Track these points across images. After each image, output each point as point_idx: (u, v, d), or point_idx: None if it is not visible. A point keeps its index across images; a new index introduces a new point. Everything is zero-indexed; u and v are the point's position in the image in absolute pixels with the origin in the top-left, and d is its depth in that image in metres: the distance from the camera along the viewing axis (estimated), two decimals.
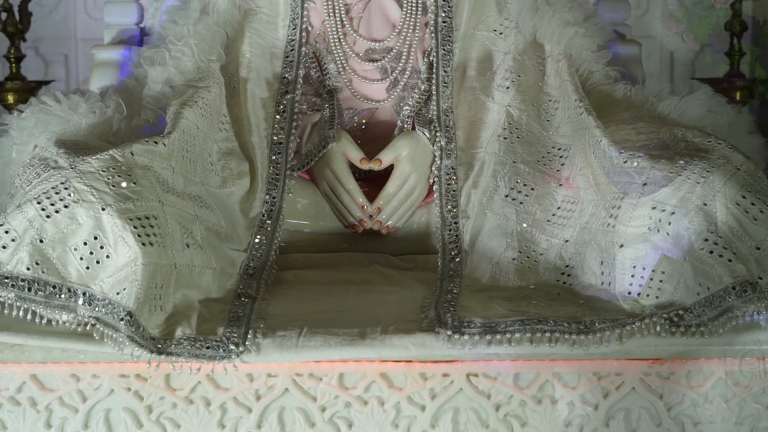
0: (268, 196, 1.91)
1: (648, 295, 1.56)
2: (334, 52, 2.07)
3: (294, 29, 2.07)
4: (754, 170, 1.62)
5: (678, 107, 1.86)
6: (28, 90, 2.75)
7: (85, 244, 1.51)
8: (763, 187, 1.61)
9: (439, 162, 1.95)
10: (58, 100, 1.83)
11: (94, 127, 1.80)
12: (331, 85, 2.06)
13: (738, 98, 2.73)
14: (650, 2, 4.37)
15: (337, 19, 2.07)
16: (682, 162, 1.60)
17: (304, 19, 2.08)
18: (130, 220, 1.53)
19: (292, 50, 2.06)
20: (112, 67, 2.43)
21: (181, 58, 1.95)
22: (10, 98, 2.74)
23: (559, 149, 1.91)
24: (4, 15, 2.71)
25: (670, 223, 1.55)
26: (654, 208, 1.58)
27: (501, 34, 2.07)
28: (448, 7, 2.07)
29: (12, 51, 2.77)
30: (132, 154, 1.63)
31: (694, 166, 1.59)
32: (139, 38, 2.55)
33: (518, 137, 1.95)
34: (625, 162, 1.66)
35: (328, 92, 2.04)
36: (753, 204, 1.55)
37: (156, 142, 1.69)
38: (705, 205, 1.54)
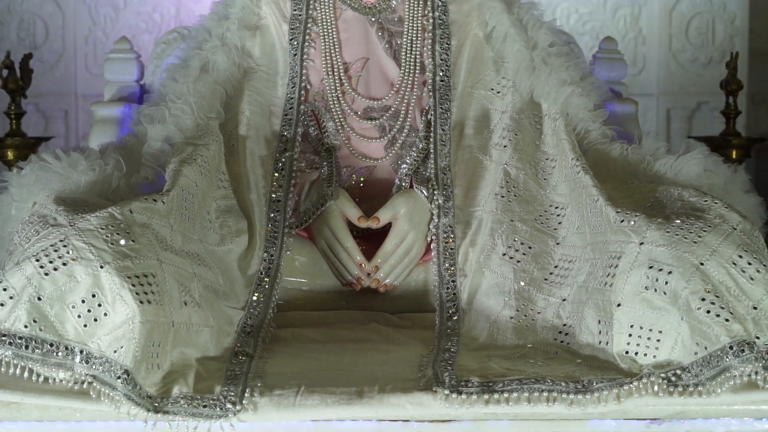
0: (266, 254, 1.91)
1: (645, 355, 1.56)
2: (333, 110, 2.09)
3: (293, 87, 2.10)
4: (750, 229, 1.63)
5: (674, 166, 1.87)
6: (28, 146, 2.77)
7: (83, 301, 1.51)
8: (760, 246, 1.62)
9: (436, 220, 1.96)
10: (58, 158, 1.84)
11: (94, 184, 1.81)
12: (330, 143, 2.07)
13: (734, 156, 2.75)
14: (646, 60, 4.43)
15: (336, 77, 2.10)
16: (678, 221, 1.61)
17: (303, 78, 2.10)
18: (129, 278, 1.53)
19: (291, 108, 2.08)
20: (111, 124, 2.44)
21: (181, 116, 1.97)
22: (10, 154, 2.76)
23: (557, 208, 1.92)
24: (5, 72, 2.73)
25: (667, 283, 1.56)
26: (651, 267, 1.58)
27: (498, 93, 2.10)
28: (446, 66, 2.09)
29: (12, 107, 2.79)
30: (131, 211, 1.64)
31: (691, 226, 1.60)
32: (139, 95, 2.56)
33: (516, 195, 1.96)
34: (622, 221, 1.67)
35: (326, 150, 2.06)
36: (749, 263, 1.56)
37: (155, 200, 1.70)
38: (702, 264, 1.55)
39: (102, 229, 1.58)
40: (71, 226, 1.58)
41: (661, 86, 4.42)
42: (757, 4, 5.31)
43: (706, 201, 1.68)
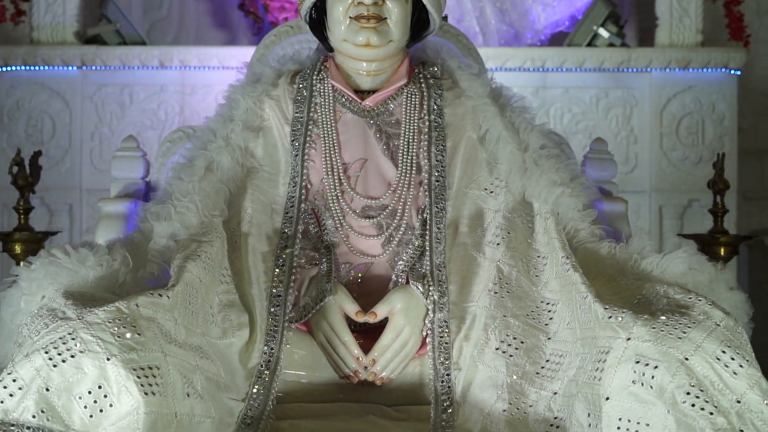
0: (266, 347, 1.97)
1: None
2: (332, 208, 2.16)
3: (294, 186, 2.18)
4: (733, 326, 1.69)
5: (660, 264, 1.94)
6: (35, 240, 2.84)
7: (89, 392, 1.57)
8: (743, 341, 1.68)
9: (432, 315, 2.03)
10: (67, 253, 1.90)
11: (101, 279, 1.87)
12: (329, 241, 2.14)
13: (723, 253, 2.82)
14: (638, 159, 4.54)
15: (336, 177, 2.18)
16: (663, 318, 1.68)
17: (304, 177, 2.18)
18: (134, 370, 1.59)
19: (291, 206, 2.16)
20: (117, 220, 2.50)
21: (186, 214, 2.04)
22: (18, 248, 2.83)
23: (548, 304, 1.99)
24: (15, 168, 2.82)
25: (653, 377, 1.61)
26: (638, 362, 1.64)
27: (491, 193, 2.18)
28: (441, 167, 2.18)
29: (21, 203, 2.87)
30: (137, 306, 1.71)
31: (676, 322, 1.67)
32: (144, 192, 2.63)
33: (508, 292, 2.02)
34: (610, 317, 1.73)
35: (325, 247, 2.13)
36: (732, 359, 1.62)
37: (160, 295, 1.77)
38: (686, 359, 1.61)
39: (109, 322, 1.64)
40: (79, 319, 1.64)
41: (653, 184, 4.51)
42: (746, 104, 5.45)
43: (690, 298, 1.75)
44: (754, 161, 5.33)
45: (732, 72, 4.52)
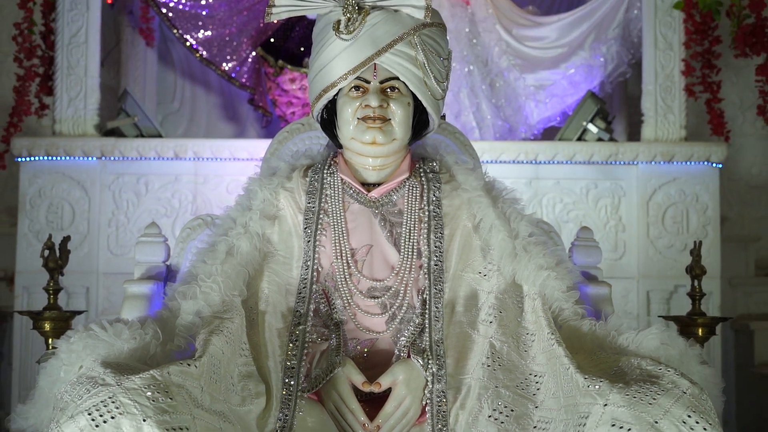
0: (281, 414, 2.18)
1: None
2: (341, 289, 2.38)
3: (306, 270, 2.40)
4: (699, 393, 1.92)
5: (635, 340, 2.16)
6: (64, 319, 3.05)
7: None
8: (707, 408, 1.90)
9: (431, 386, 2.24)
10: (104, 328, 2.12)
11: (134, 351, 2.09)
12: (338, 318, 2.36)
13: (701, 334, 3.03)
14: (627, 246, 4.75)
15: (344, 261, 2.40)
16: (635, 387, 1.91)
17: (316, 261, 2.41)
18: (167, 430, 1.81)
19: (304, 287, 2.38)
20: (141, 300, 2.71)
21: (210, 293, 2.27)
22: (47, 326, 3.04)
23: (535, 376, 2.20)
24: (46, 252, 3.04)
25: None
26: (613, 425, 1.87)
27: (485, 276, 2.40)
28: (440, 252, 2.40)
29: (51, 284, 3.09)
30: (169, 373, 1.93)
31: (647, 390, 1.89)
32: (165, 274, 2.83)
33: (500, 365, 2.24)
34: (589, 386, 1.95)
35: (335, 324, 2.35)
36: (697, 422, 1.85)
37: (189, 364, 1.99)
38: (656, 422, 1.84)
39: (144, 388, 1.86)
40: (118, 385, 1.86)
41: (641, 271, 4.72)
42: (732, 195, 5.70)
43: (660, 369, 1.97)
44: (739, 249, 5.56)
45: (714, 165, 4.76)
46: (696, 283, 3.09)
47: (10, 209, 5.47)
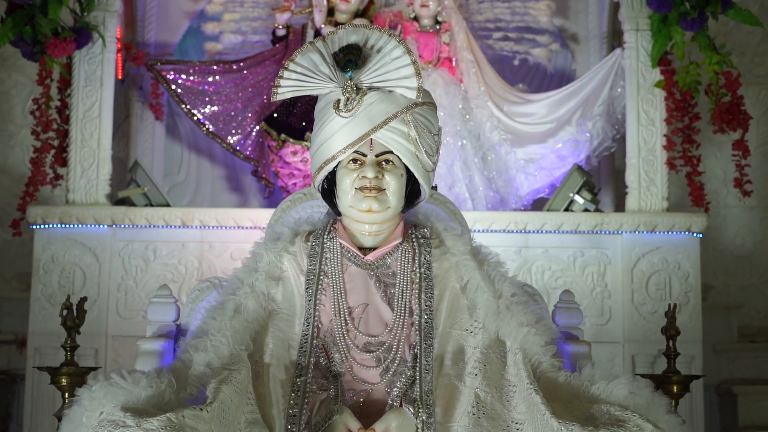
0: None
1: None
2: (339, 344, 2.60)
3: (307, 326, 2.63)
4: None
5: (606, 389, 2.38)
6: (80, 374, 3.26)
7: None
8: None
9: None
10: (123, 376, 2.33)
11: (151, 398, 2.30)
12: (336, 370, 2.58)
13: (675, 391, 3.24)
14: (612, 312, 4.95)
15: (342, 319, 2.62)
16: (604, 430, 2.12)
17: (316, 319, 2.63)
18: None
19: (305, 342, 2.60)
20: (153, 356, 2.91)
21: (219, 347, 2.49)
22: (64, 381, 3.24)
23: (517, 423, 2.42)
24: (65, 312, 3.26)
25: None
26: None
27: (471, 332, 2.63)
28: (430, 311, 2.63)
29: (69, 342, 3.30)
30: (183, 417, 2.15)
31: None
32: (175, 333, 3.03)
33: (484, 413, 2.46)
34: (562, 429, 2.17)
35: (333, 376, 2.57)
36: None
37: (201, 409, 2.21)
38: None
39: (162, 429, 2.09)
40: (138, 426, 2.08)
41: (626, 335, 4.92)
42: (717, 264, 5.91)
43: (627, 414, 2.20)
44: (722, 316, 5.74)
45: (695, 235, 4.99)
46: (671, 343, 3.30)
47: (21, 275, 5.69)
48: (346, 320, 2.62)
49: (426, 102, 2.68)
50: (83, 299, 3.30)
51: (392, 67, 2.61)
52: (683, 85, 4.98)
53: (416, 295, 2.64)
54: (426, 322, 2.61)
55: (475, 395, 2.49)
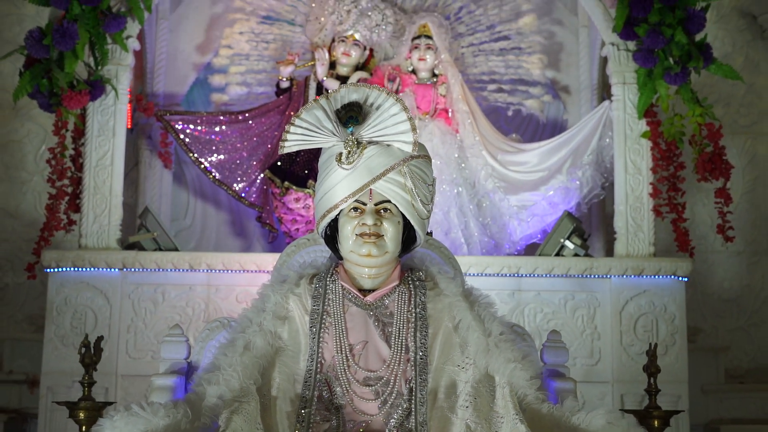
0: None
1: None
2: (341, 378, 2.80)
3: (311, 362, 2.83)
4: None
5: (585, 419, 2.59)
6: (97, 409, 3.46)
7: None
8: None
9: None
10: (143, 407, 2.53)
11: (168, 427, 2.50)
12: (338, 403, 2.78)
13: (656, 425, 3.43)
14: (602, 353, 5.12)
15: (344, 355, 2.83)
16: None
17: (319, 355, 2.84)
18: None
19: (309, 377, 2.81)
20: (166, 391, 3.08)
21: (231, 381, 2.70)
22: (82, 415, 3.44)
23: None
24: (83, 349, 3.47)
25: None
26: None
27: (463, 368, 2.83)
28: (425, 348, 2.84)
29: (86, 378, 3.50)
30: None
31: None
32: (186, 369, 3.20)
33: None
34: None
35: (335, 408, 2.77)
36: None
37: None
38: None
39: None
40: None
41: (615, 375, 5.10)
42: (706, 308, 6.09)
43: None
44: (711, 358, 5.92)
45: (680, 279, 5.18)
46: (652, 380, 3.50)
47: (31, 317, 5.90)
48: (347, 356, 2.82)
49: (421, 155, 2.89)
50: (100, 338, 3.50)
51: (390, 123, 2.82)
52: (668, 135, 5.19)
53: (412, 334, 2.84)
54: (421, 359, 2.82)
55: (466, 426, 2.69)
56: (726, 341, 6.13)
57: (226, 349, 2.83)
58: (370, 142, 2.82)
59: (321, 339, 2.85)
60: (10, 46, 5.93)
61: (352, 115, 2.81)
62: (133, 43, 5.36)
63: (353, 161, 2.80)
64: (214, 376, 2.72)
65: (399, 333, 2.85)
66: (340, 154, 2.82)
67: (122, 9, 5.22)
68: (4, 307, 6.03)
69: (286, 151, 2.90)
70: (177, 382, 3.12)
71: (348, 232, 2.86)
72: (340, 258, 2.97)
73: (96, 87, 5.17)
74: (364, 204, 2.84)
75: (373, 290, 2.90)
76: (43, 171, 5.95)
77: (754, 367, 6.14)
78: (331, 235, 2.96)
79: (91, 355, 3.42)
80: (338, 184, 2.84)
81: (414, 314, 2.87)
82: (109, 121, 5.28)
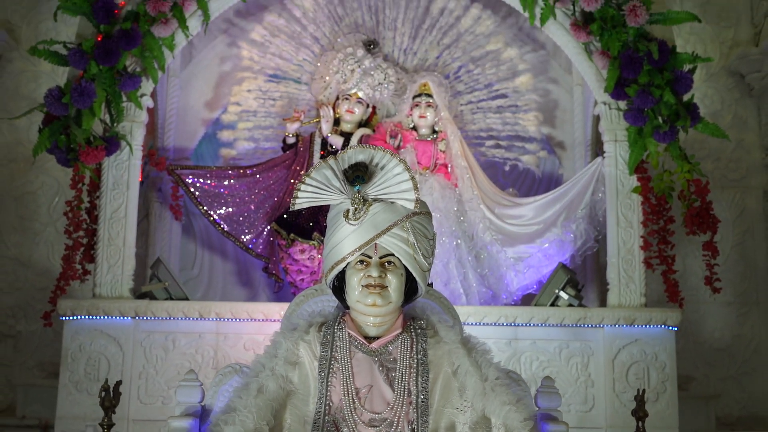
0: None
1: None
2: (347, 420, 3.00)
3: (320, 404, 3.03)
4: None
5: None
6: None
7: None
8: None
9: None
10: None
11: None
12: None
13: None
14: (595, 400, 5.28)
15: (350, 398, 3.03)
16: None
17: (328, 398, 3.04)
18: None
19: (318, 418, 3.01)
20: None
21: (246, 421, 2.91)
22: None
23: None
24: (103, 393, 3.66)
25: None
26: None
27: (461, 411, 3.04)
28: (426, 392, 3.04)
29: (105, 420, 3.69)
30: None
31: None
32: (200, 412, 3.39)
33: None
34: None
35: None
36: None
37: None
38: None
39: None
40: None
41: (608, 421, 5.25)
42: (698, 357, 6.24)
43: None
44: (703, 406, 6.04)
45: (670, 328, 5.35)
46: (641, 424, 3.69)
47: (43, 364, 6.08)
48: (353, 399, 3.02)
49: (423, 211, 3.11)
50: (119, 382, 3.70)
51: (394, 182, 3.04)
52: (658, 191, 5.38)
53: (414, 378, 3.05)
54: (422, 401, 3.02)
55: None
56: (717, 389, 6.24)
57: (240, 392, 3.03)
58: (375, 200, 3.03)
59: (329, 383, 3.05)
60: (26, 101, 6.19)
61: (358, 175, 3.02)
62: (147, 101, 5.59)
63: (360, 217, 3.01)
64: (230, 417, 2.92)
65: (402, 377, 3.05)
66: (348, 210, 3.03)
67: (137, 69, 5.45)
68: (17, 354, 6.20)
69: (297, 207, 3.10)
70: (192, 424, 3.31)
71: (355, 283, 3.07)
72: (347, 307, 3.18)
73: (111, 143, 5.37)
74: (370, 257, 3.05)
75: (378, 337, 3.11)
76: (56, 222, 6.17)
77: (745, 414, 6.26)
78: (339, 286, 3.17)
79: (110, 398, 3.61)
80: (346, 239, 3.05)
81: (416, 360, 3.07)
82: (123, 176, 5.48)
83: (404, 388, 3.04)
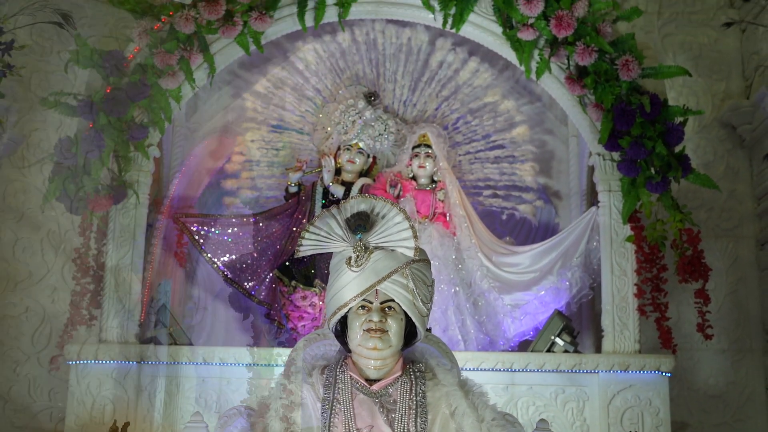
0: None
1: None
2: None
3: None
4: None
5: None
6: None
7: None
8: None
9: None
10: None
11: None
12: None
13: None
14: (590, 429, 5.35)
15: None
16: None
17: None
18: None
19: None
20: None
21: None
22: None
23: None
24: None
25: None
26: None
27: None
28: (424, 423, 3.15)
29: None
30: None
31: None
32: None
33: None
34: None
35: None
36: None
37: None
38: None
39: None
40: None
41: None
42: (693, 403, 6.29)
43: None
44: None
45: (664, 374, 5.43)
46: None
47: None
48: None
49: (422, 259, 3.24)
50: (127, 424, 3.82)
51: (394, 231, 3.16)
52: (651, 240, 5.48)
53: (413, 419, 3.15)
54: None
55: None
56: None
57: None
58: (376, 248, 3.15)
59: (332, 423, 3.16)
60: (36, 150, 6.29)
61: (360, 224, 3.15)
62: (154, 151, 5.72)
63: (361, 264, 3.14)
64: None
65: (401, 418, 3.16)
66: (350, 257, 3.15)
67: (145, 120, 5.58)
68: None
69: (301, 255, 3.23)
70: None
71: (356, 328, 3.19)
72: (349, 351, 3.28)
73: (119, 192, 5.49)
74: (371, 302, 3.17)
75: (379, 380, 3.22)
76: (72, 273, 6.10)
77: None
78: (341, 330, 3.28)
79: None
80: (348, 285, 3.17)
81: (415, 402, 3.18)
82: (130, 224, 5.59)
83: (404, 429, 3.15)
